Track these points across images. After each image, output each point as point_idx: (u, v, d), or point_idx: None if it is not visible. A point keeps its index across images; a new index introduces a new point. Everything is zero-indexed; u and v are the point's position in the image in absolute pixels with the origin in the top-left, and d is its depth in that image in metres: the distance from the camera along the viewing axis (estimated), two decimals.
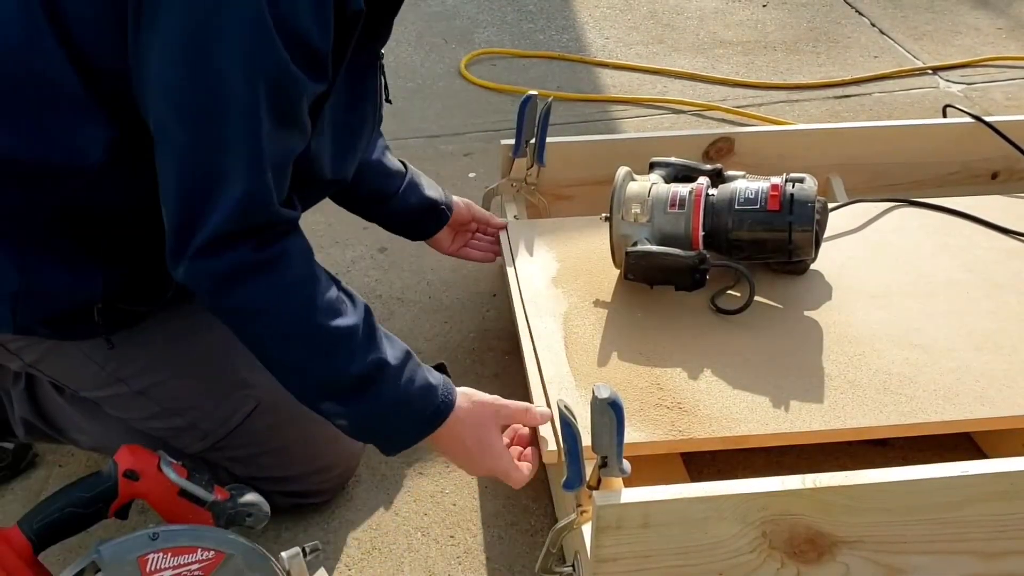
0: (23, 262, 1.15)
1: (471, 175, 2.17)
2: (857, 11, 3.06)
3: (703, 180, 1.47)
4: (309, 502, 1.37)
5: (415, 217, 1.61)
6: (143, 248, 1.16)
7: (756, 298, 1.42)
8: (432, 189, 1.61)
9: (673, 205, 1.44)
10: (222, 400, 1.27)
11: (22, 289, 1.15)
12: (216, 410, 1.27)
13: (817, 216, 1.41)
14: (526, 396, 1.55)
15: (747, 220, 1.41)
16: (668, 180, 1.52)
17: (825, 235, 1.53)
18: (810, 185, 1.42)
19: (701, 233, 1.42)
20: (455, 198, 1.65)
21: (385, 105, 1.36)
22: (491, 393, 1.57)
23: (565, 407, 1.05)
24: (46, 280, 1.16)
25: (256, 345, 1.13)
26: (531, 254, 1.59)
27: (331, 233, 1.97)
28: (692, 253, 1.40)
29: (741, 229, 1.42)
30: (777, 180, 1.42)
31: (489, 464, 1.19)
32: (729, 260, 1.44)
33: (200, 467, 1.20)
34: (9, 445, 1.42)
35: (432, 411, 1.16)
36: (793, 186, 1.41)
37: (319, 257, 1.87)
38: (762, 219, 1.41)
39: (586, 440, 1.06)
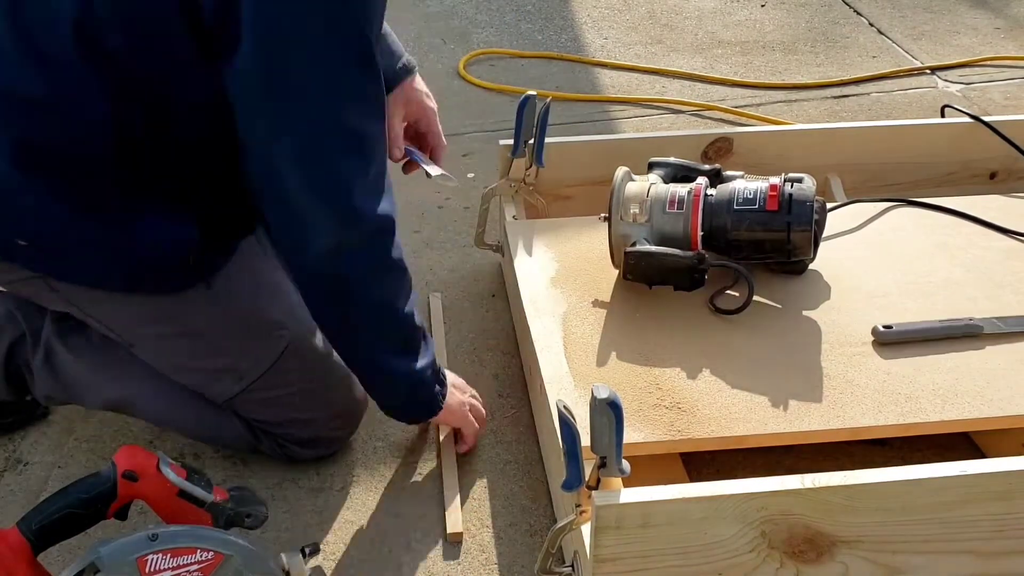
0: (139, 223, 1.22)
1: (470, 175, 2.17)
2: (855, 11, 3.06)
3: (702, 180, 1.47)
4: (324, 452, 1.43)
5: None
6: (229, 189, 1.24)
7: (755, 298, 1.42)
8: (390, 55, 1.46)
9: (672, 205, 1.44)
10: (260, 340, 1.33)
11: (137, 248, 1.23)
12: (255, 350, 1.33)
13: (816, 216, 1.41)
14: (525, 396, 1.55)
15: (746, 220, 1.41)
16: (667, 180, 1.52)
17: (824, 235, 1.54)
18: (808, 185, 1.42)
19: (700, 233, 1.42)
20: (416, 84, 1.50)
21: None
22: (489, 395, 1.58)
23: (564, 407, 1.05)
24: (155, 235, 1.23)
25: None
26: (530, 254, 1.60)
27: None
28: (691, 253, 1.40)
29: (740, 229, 1.42)
30: (776, 180, 1.42)
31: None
32: (728, 260, 1.44)
33: (199, 469, 1.21)
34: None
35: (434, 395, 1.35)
36: (792, 186, 1.42)
37: None
38: (761, 219, 1.41)
39: (585, 440, 1.06)
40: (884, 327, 1.39)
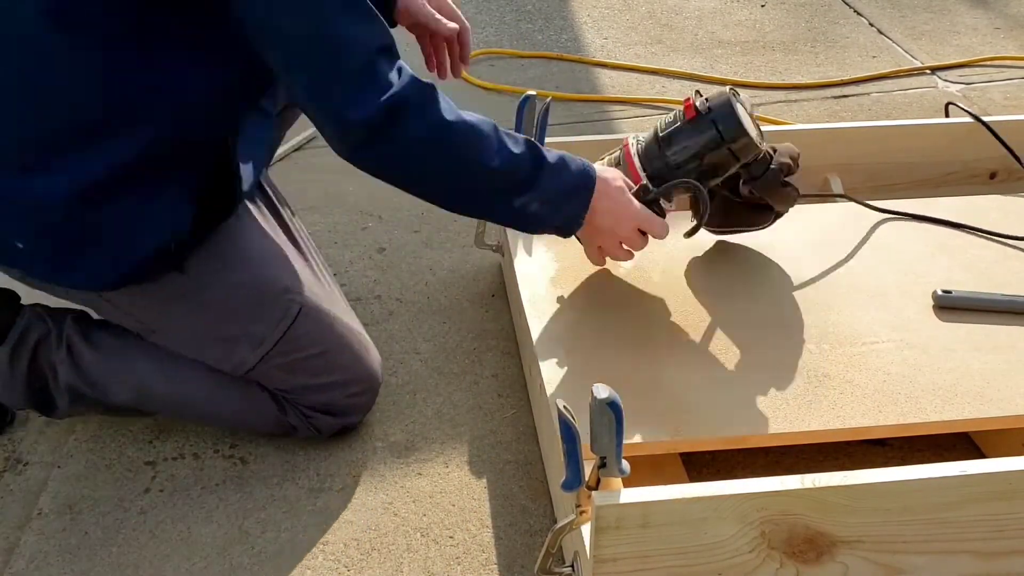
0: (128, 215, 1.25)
1: None
2: (855, 11, 3.07)
3: (629, 135, 1.49)
4: (346, 421, 1.46)
5: None
6: (215, 165, 1.30)
7: (755, 298, 1.42)
8: None
9: (614, 165, 1.46)
10: (272, 305, 1.37)
11: (125, 242, 1.26)
12: (270, 315, 1.37)
13: (740, 107, 1.40)
14: (525, 397, 1.55)
15: (675, 139, 1.41)
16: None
17: (824, 235, 1.54)
18: (723, 90, 1.42)
19: (643, 178, 1.43)
20: None
21: None
22: (489, 395, 1.58)
23: (564, 407, 1.05)
24: (147, 226, 1.27)
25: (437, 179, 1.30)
26: (530, 254, 1.59)
27: (330, 233, 1.97)
28: (633, 188, 1.42)
29: (673, 150, 1.41)
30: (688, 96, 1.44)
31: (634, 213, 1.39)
32: (674, 180, 1.43)
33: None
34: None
35: (582, 171, 1.36)
36: (705, 97, 1.42)
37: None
38: (687, 130, 1.40)
39: (585, 440, 1.06)
40: (943, 291, 1.45)
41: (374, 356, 1.46)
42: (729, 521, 1.08)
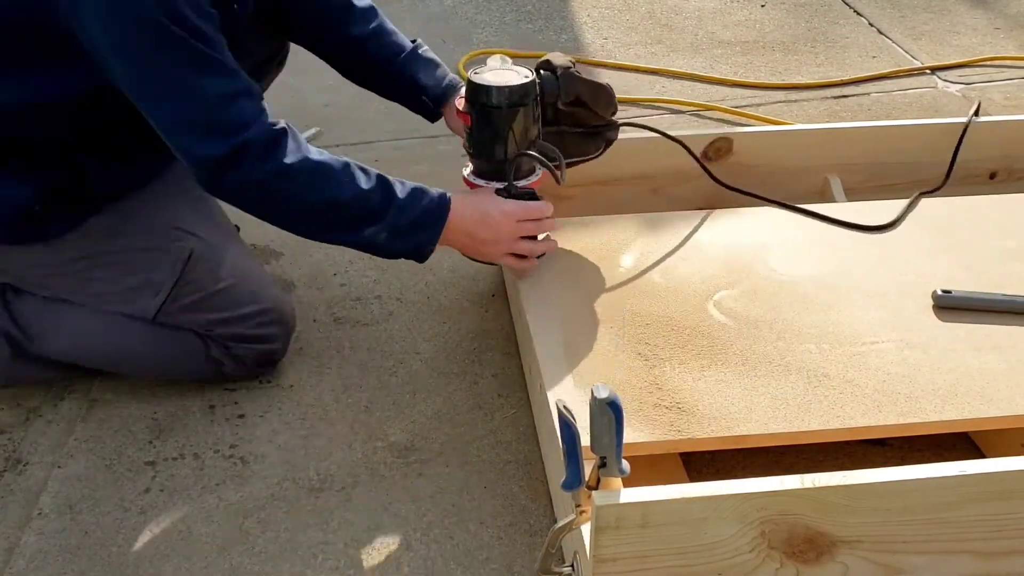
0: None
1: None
2: (855, 11, 3.07)
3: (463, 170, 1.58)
4: (263, 348, 1.55)
5: (406, 97, 1.70)
6: (76, 155, 1.39)
7: (755, 298, 1.42)
8: (428, 75, 1.66)
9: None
10: (165, 252, 1.48)
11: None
12: (162, 261, 1.47)
13: (483, 74, 1.48)
14: (525, 397, 1.55)
15: (479, 143, 1.51)
16: None
17: (822, 236, 1.53)
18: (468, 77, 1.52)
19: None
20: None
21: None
22: (489, 395, 1.58)
23: (564, 407, 1.05)
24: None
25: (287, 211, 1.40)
26: None
27: None
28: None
29: (488, 150, 1.50)
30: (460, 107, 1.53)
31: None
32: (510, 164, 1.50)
33: None
34: None
35: (434, 202, 1.42)
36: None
37: (321, 257, 1.88)
38: (478, 128, 1.50)
39: (585, 440, 1.06)
40: (943, 291, 1.45)
41: (274, 288, 1.58)
42: (729, 521, 1.08)
